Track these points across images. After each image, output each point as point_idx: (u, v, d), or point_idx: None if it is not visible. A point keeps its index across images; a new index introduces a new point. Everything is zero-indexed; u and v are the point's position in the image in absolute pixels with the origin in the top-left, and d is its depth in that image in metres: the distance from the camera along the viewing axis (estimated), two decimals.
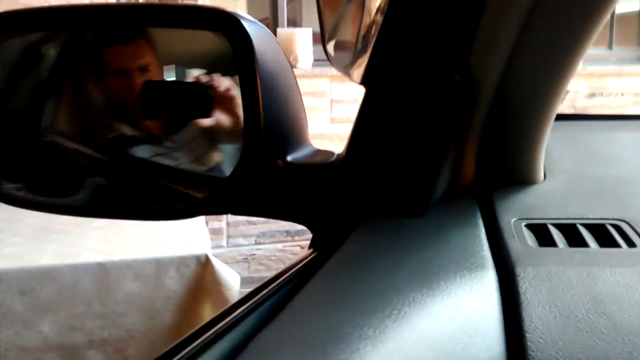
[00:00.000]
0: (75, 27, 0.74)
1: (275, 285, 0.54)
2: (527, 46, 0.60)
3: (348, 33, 0.64)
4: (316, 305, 0.46)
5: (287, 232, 4.00)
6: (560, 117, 0.95)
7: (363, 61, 0.62)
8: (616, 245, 0.58)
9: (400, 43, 0.60)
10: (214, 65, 0.68)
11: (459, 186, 0.70)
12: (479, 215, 0.65)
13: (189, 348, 0.44)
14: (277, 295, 0.52)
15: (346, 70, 0.64)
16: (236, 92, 0.63)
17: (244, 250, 4.06)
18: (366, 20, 0.62)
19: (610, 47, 5.14)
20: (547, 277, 0.51)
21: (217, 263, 1.99)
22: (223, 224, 4.10)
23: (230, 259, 3.95)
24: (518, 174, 0.71)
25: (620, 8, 5.26)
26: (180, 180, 0.74)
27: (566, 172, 0.75)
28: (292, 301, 0.46)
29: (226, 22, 0.61)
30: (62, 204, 0.76)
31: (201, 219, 2.75)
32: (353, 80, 0.64)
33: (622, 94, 4.60)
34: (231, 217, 4.14)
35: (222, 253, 3.95)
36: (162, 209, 0.72)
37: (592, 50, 4.91)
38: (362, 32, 0.62)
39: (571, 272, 0.52)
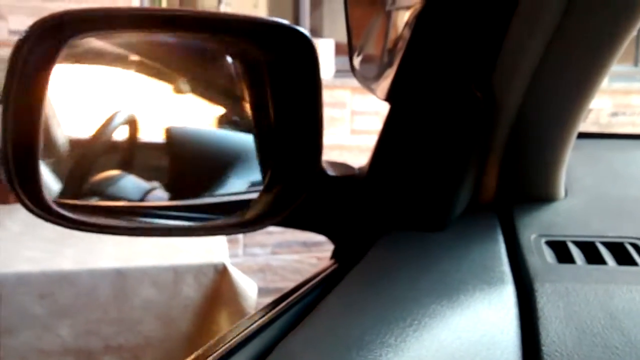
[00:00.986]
0: (152, 30, 0.70)
1: (299, 294, 0.55)
2: (549, 68, 0.61)
3: (374, 48, 0.65)
4: (339, 313, 0.47)
5: (304, 243, 4.00)
6: (583, 136, 0.96)
7: (388, 77, 0.63)
8: (634, 263, 0.58)
9: (426, 61, 0.61)
10: None
11: (480, 202, 0.71)
12: (499, 230, 0.65)
13: (215, 354, 0.45)
14: (301, 304, 0.53)
15: (370, 85, 0.65)
16: None
17: (260, 260, 4.07)
18: (392, 37, 0.63)
19: (636, 64, 5.11)
20: (564, 293, 0.52)
21: (234, 272, 2.00)
22: (240, 235, 4.12)
23: (246, 268, 3.96)
24: (539, 191, 0.72)
25: None
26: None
27: (587, 190, 0.76)
28: (316, 309, 0.47)
29: (295, 39, 0.60)
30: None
31: None
32: (377, 96, 0.65)
33: None
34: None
35: (237, 262, 3.96)
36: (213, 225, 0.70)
37: (618, 67, 4.90)
38: (388, 48, 0.63)
39: (588, 289, 0.52)
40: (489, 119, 0.64)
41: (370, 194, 0.66)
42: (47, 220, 0.60)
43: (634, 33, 0.58)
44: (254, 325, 0.49)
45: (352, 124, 3.99)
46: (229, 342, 0.47)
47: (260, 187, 0.66)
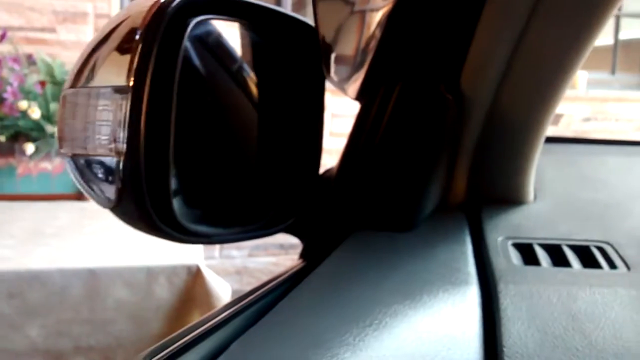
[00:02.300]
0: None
1: (262, 292, 0.54)
2: (516, 71, 0.61)
3: (345, 49, 0.65)
4: (300, 311, 0.47)
5: (281, 246, 3.99)
6: (555, 140, 0.97)
7: (359, 77, 0.63)
8: (598, 266, 0.58)
9: (396, 62, 0.61)
10: None
11: (450, 203, 0.71)
12: (467, 232, 0.65)
13: (173, 347, 0.45)
14: (264, 301, 0.53)
15: (341, 85, 0.65)
16: None
17: (237, 262, 4.05)
18: (363, 38, 0.63)
19: (613, 72, 5.18)
20: (528, 294, 0.52)
21: (208, 274, 1.98)
22: None
23: (222, 270, 3.94)
24: (508, 194, 0.72)
25: (624, 34, 5.31)
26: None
27: (556, 193, 0.76)
28: (276, 307, 0.47)
29: (306, 32, 0.59)
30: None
31: None
32: (348, 95, 0.65)
33: (617, 120, 4.63)
34: None
35: (214, 265, 3.94)
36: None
37: (595, 74, 4.97)
38: (360, 48, 0.63)
39: (552, 291, 0.53)
40: (458, 121, 0.64)
41: (339, 194, 0.66)
42: (184, 242, 0.55)
43: (598, 36, 0.58)
44: (213, 322, 0.48)
45: (332, 126, 3.99)
46: (184, 338, 0.46)
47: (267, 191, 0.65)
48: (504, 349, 0.46)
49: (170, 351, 0.44)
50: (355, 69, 0.63)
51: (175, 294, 1.96)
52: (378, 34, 0.60)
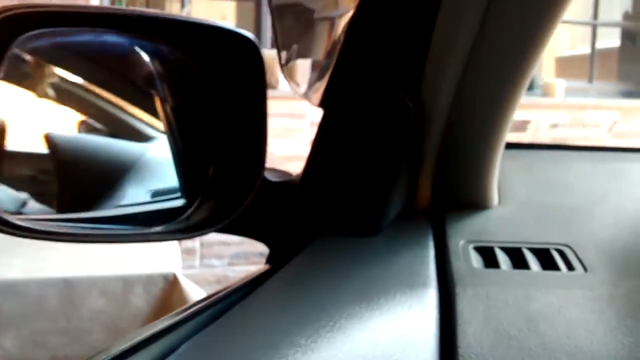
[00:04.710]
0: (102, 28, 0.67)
1: (221, 295, 0.55)
2: (471, 78, 0.62)
3: (305, 58, 0.66)
4: (255, 314, 0.47)
5: (261, 254, 3.96)
6: (521, 146, 0.98)
7: (321, 85, 0.64)
8: (557, 268, 0.60)
9: (357, 70, 0.62)
10: None
11: (415, 208, 0.72)
12: (430, 236, 0.66)
13: (123, 347, 0.45)
14: (221, 304, 0.53)
15: (303, 92, 0.66)
16: None
17: (217, 271, 4.04)
18: (325, 45, 0.64)
19: (590, 80, 5.26)
20: (485, 296, 0.53)
21: (185, 282, 1.98)
22: (197, 244, 4.09)
23: (202, 279, 3.93)
24: (471, 199, 0.73)
25: (601, 44, 5.40)
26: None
27: (519, 198, 0.77)
28: (232, 310, 0.47)
29: (244, 45, 0.60)
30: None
31: None
32: (311, 103, 0.66)
33: (584, 126, 4.70)
34: (205, 237, 4.12)
35: (193, 274, 3.93)
36: (143, 233, 0.69)
37: (573, 82, 5.04)
38: (321, 58, 0.64)
39: (509, 293, 0.54)
40: (419, 128, 0.65)
41: (304, 200, 0.67)
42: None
43: (550, 39, 0.59)
44: (166, 324, 0.49)
45: (312, 135, 4.01)
46: (135, 339, 0.47)
47: (201, 194, 0.66)
48: (459, 349, 0.47)
49: (120, 352, 0.45)
50: (317, 78, 0.64)
51: (152, 303, 1.95)
52: (339, 43, 0.61)
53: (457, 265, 0.59)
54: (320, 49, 0.64)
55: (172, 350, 0.43)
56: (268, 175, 0.71)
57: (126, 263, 2.03)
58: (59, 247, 2.21)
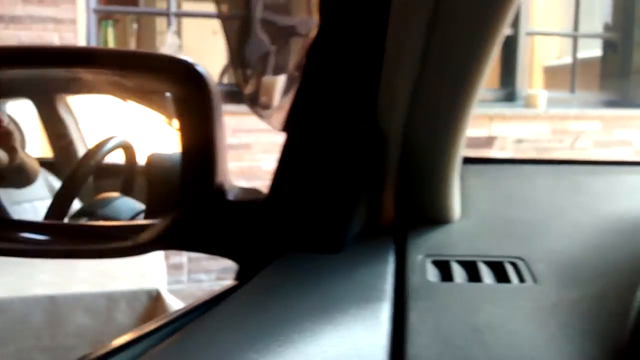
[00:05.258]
0: (48, 66, 0.73)
1: (183, 312, 0.58)
2: (422, 97, 0.66)
3: (264, 81, 0.69)
4: (210, 330, 0.50)
5: None
6: (486, 161, 1.01)
7: (282, 108, 0.67)
8: (509, 281, 0.63)
9: (317, 95, 0.66)
10: None
11: (379, 225, 0.75)
12: (392, 252, 0.69)
13: None
14: (181, 321, 0.56)
15: (264, 116, 0.69)
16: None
17: (205, 285, 4.05)
18: (282, 71, 0.67)
19: (572, 91, 5.32)
20: (435, 309, 0.56)
21: (168, 298, 2.00)
22: (184, 259, 4.10)
23: (190, 295, 3.93)
24: (433, 214, 0.76)
25: (582, 54, 5.47)
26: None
27: (480, 213, 0.80)
28: (188, 326, 0.50)
29: (185, 71, 0.65)
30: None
31: (159, 253, 2.76)
32: (271, 126, 0.69)
33: (549, 141, 4.75)
34: (193, 253, 4.13)
35: (181, 289, 3.94)
36: (110, 247, 0.73)
37: (555, 93, 5.09)
38: (279, 82, 0.67)
39: (459, 305, 0.57)
40: (378, 149, 0.68)
41: (270, 218, 0.70)
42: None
43: (495, 51, 0.62)
44: (119, 342, 0.52)
45: None
46: (89, 356, 0.49)
47: (156, 213, 0.69)
48: None
49: None
50: (278, 103, 0.68)
51: (136, 319, 1.97)
52: (299, 70, 0.64)
53: (413, 279, 0.62)
54: (280, 75, 0.67)
55: None
56: (238, 194, 0.74)
57: (110, 280, 2.05)
58: (45, 266, 2.23)
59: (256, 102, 0.68)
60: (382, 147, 0.69)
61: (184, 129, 0.66)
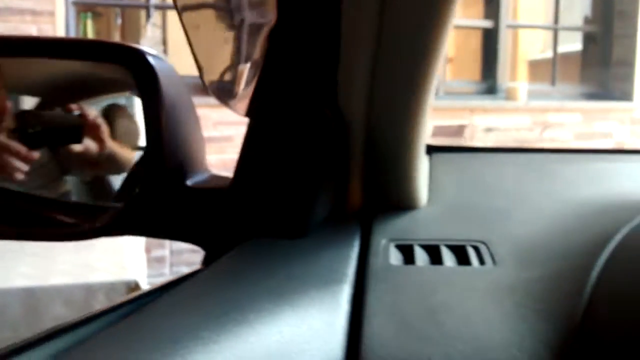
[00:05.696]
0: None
1: (143, 294, 0.58)
2: (380, 82, 0.66)
3: (228, 69, 0.70)
4: (164, 310, 0.50)
5: None
6: (454, 149, 1.03)
7: (247, 95, 0.68)
8: (470, 263, 0.64)
9: (279, 81, 0.66)
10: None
11: (347, 211, 0.76)
12: (357, 237, 0.70)
13: (27, 341, 0.48)
14: (139, 302, 0.57)
15: (227, 101, 0.70)
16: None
17: None
18: (246, 58, 0.68)
19: (553, 83, 5.37)
20: (394, 291, 0.57)
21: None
22: (166, 252, 4.10)
23: None
24: (399, 200, 0.77)
25: (562, 48, 5.51)
26: (79, 205, 0.78)
27: (447, 199, 0.81)
28: (144, 308, 0.51)
29: (133, 57, 0.66)
30: None
31: (140, 246, 2.75)
32: (235, 112, 0.70)
33: (517, 130, 4.80)
34: (175, 246, 4.13)
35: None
36: (65, 231, 0.75)
37: (536, 85, 5.14)
38: (243, 68, 0.68)
39: (418, 287, 0.58)
40: (341, 134, 0.69)
41: (235, 203, 0.70)
42: None
43: (448, 34, 0.63)
44: (75, 321, 0.52)
45: None
46: (43, 334, 0.50)
47: (114, 198, 0.70)
48: (364, 339, 0.51)
49: (22, 345, 0.48)
50: (242, 89, 0.68)
51: None
52: (260, 57, 0.65)
53: (375, 263, 0.63)
54: (242, 61, 0.68)
55: (77, 344, 0.46)
56: (206, 182, 0.75)
57: (89, 271, 2.05)
58: (25, 259, 2.22)
59: (221, 91, 0.69)
60: (345, 132, 0.70)
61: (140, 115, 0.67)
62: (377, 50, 0.64)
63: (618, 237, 0.59)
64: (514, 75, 6.20)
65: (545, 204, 0.80)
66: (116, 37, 6.42)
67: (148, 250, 3.67)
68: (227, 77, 0.70)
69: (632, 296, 0.49)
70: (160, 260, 4.02)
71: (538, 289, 0.57)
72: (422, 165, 0.76)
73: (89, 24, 4.36)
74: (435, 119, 4.42)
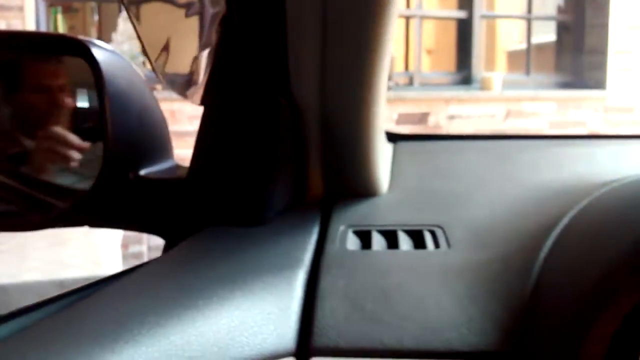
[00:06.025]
0: None
1: (97, 281, 0.58)
2: (331, 69, 0.67)
3: (181, 59, 0.70)
4: (113, 296, 0.51)
5: None
6: (419, 137, 1.03)
7: (200, 86, 0.68)
8: (425, 247, 0.64)
9: (231, 69, 0.67)
10: None
11: (308, 199, 0.76)
12: (316, 224, 0.70)
13: None
14: (92, 289, 0.57)
15: (183, 92, 0.70)
16: None
17: None
18: (199, 48, 0.68)
19: (527, 73, 5.41)
20: (348, 275, 0.57)
21: None
22: (144, 248, 4.08)
23: None
24: (359, 188, 0.77)
25: (538, 38, 5.55)
26: (44, 191, 0.78)
27: (408, 185, 0.82)
28: (95, 293, 0.51)
29: (80, 49, 0.67)
30: None
31: (116, 242, 2.74)
32: (191, 101, 0.70)
33: (479, 116, 4.84)
34: (152, 241, 4.12)
35: None
36: (20, 221, 0.75)
37: (511, 75, 5.18)
38: (197, 59, 0.68)
39: (373, 270, 0.58)
40: (295, 123, 0.69)
41: (192, 192, 0.71)
42: None
43: (392, 23, 0.63)
44: (34, 303, 0.52)
45: None
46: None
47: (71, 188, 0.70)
48: (315, 322, 0.52)
49: None
50: (196, 79, 0.68)
51: None
52: (213, 46, 0.65)
53: (332, 248, 0.63)
54: (196, 51, 0.68)
55: (20, 330, 0.46)
56: (166, 172, 0.75)
57: (63, 268, 2.03)
58: None
59: (176, 82, 0.69)
60: (299, 120, 0.70)
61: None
62: (323, 41, 0.65)
63: (565, 220, 0.60)
64: (493, 66, 6.24)
65: (505, 188, 0.81)
66: (92, 33, 6.36)
67: (125, 246, 3.66)
68: (181, 68, 0.70)
69: (576, 274, 0.50)
70: (137, 256, 4.01)
71: (488, 271, 0.58)
72: (381, 153, 0.77)
73: (60, 18, 4.31)
74: (403, 108, 4.45)
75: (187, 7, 0.67)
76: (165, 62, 0.68)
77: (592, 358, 0.44)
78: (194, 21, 0.68)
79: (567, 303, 0.48)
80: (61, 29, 4.28)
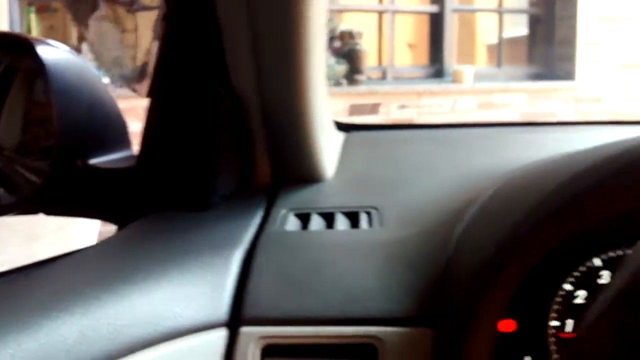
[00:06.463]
0: None
1: (42, 261, 0.62)
2: (263, 65, 0.70)
3: (127, 54, 0.74)
4: (54, 274, 0.55)
5: None
6: (369, 127, 1.07)
7: (146, 79, 0.72)
8: (359, 227, 0.69)
9: (172, 62, 0.71)
10: None
11: (256, 185, 0.80)
12: (261, 208, 0.74)
13: None
14: (34, 268, 0.60)
15: (133, 86, 0.74)
16: None
17: None
18: (145, 45, 0.72)
19: (499, 65, 5.48)
20: (284, 252, 0.62)
21: None
22: None
23: None
24: (304, 174, 0.81)
25: (510, 32, 5.62)
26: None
27: (352, 172, 0.86)
28: (37, 271, 0.55)
29: (25, 47, 0.70)
30: None
31: (93, 236, 2.75)
32: (138, 94, 0.73)
33: (430, 106, 4.90)
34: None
35: None
36: None
37: (483, 68, 5.21)
38: (143, 54, 0.72)
39: (307, 248, 0.63)
40: (237, 112, 0.73)
41: (140, 179, 0.74)
42: None
43: (320, 16, 0.66)
44: None
45: None
46: None
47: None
48: (248, 295, 0.56)
49: None
50: (141, 73, 0.72)
51: None
52: (156, 43, 0.69)
53: (272, 230, 0.67)
54: (141, 47, 0.72)
55: None
56: (119, 161, 0.78)
57: (34, 255, 2.05)
58: None
59: (125, 77, 0.73)
60: (241, 109, 0.73)
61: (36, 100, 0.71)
62: (253, 35, 0.68)
63: (483, 198, 0.64)
64: (473, 59, 6.30)
65: (443, 172, 0.85)
66: (73, 33, 6.31)
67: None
68: (129, 64, 0.74)
69: (482, 241, 0.55)
70: None
71: (410, 245, 0.63)
72: (325, 140, 0.80)
73: (33, 18, 4.28)
74: (354, 100, 4.49)
75: (130, 3, 0.71)
76: (113, 60, 0.72)
77: (493, 311, 0.49)
78: (140, 18, 0.72)
79: (473, 267, 0.53)
80: (35, 29, 4.24)
